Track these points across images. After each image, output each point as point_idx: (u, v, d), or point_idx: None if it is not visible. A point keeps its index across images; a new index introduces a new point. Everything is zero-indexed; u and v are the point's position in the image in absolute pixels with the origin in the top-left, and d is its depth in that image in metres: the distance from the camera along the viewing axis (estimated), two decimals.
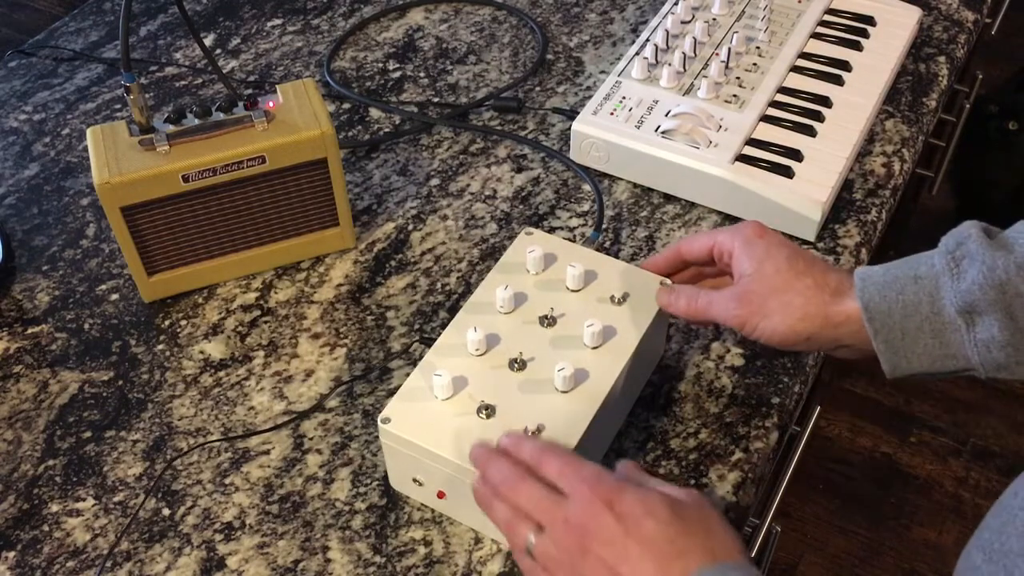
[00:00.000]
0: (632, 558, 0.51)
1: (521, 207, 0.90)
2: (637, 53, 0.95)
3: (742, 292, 0.64)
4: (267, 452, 0.72)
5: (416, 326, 0.80)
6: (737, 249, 0.66)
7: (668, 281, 0.71)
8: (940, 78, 1.01)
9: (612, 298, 0.70)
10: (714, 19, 0.99)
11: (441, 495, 0.65)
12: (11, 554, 0.67)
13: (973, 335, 0.57)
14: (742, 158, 0.86)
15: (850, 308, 0.61)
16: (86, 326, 0.81)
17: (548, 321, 0.68)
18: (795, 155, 0.87)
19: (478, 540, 0.66)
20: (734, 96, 0.91)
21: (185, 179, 0.76)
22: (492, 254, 0.85)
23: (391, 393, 0.75)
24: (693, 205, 0.89)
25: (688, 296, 0.68)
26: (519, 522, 0.56)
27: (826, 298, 0.62)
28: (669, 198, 0.89)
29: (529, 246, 0.72)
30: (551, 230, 0.87)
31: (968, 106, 1.27)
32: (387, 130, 0.98)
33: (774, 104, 0.92)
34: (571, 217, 0.88)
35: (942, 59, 1.03)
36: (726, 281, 0.69)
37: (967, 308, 0.56)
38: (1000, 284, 0.55)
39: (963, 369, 0.58)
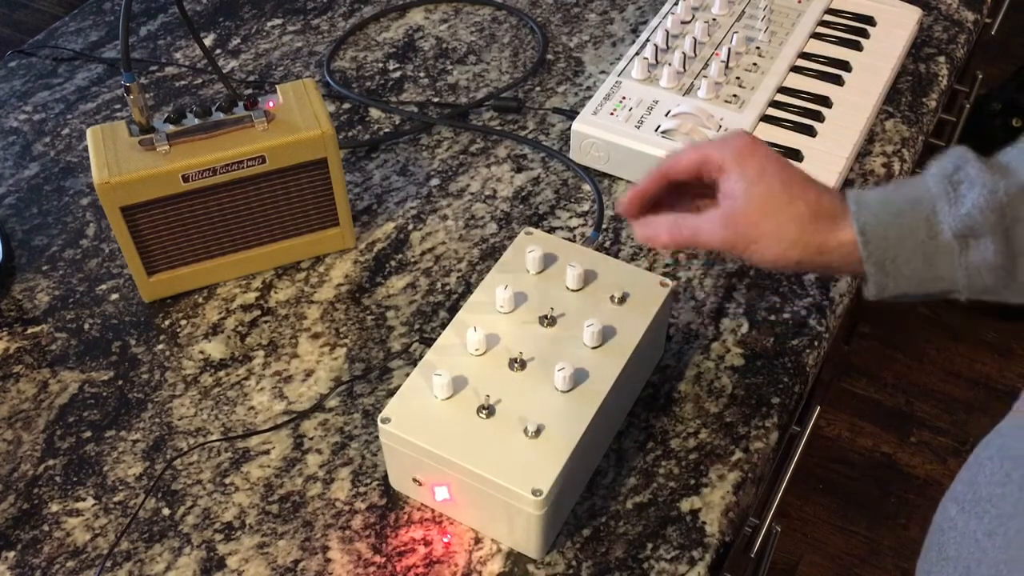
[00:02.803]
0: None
1: (521, 207, 0.90)
2: (637, 53, 0.95)
3: (731, 215, 0.61)
4: (267, 452, 0.72)
5: (416, 326, 0.80)
6: (728, 165, 0.62)
7: (668, 281, 0.71)
8: (940, 78, 1.01)
9: (612, 298, 0.70)
10: (714, 19, 0.99)
11: (441, 495, 0.65)
12: (11, 554, 0.67)
13: (965, 258, 0.56)
14: None
15: (844, 236, 0.59)
16: (86, 326, 0.81)
17: (548, 321, 0.69)
18: (795, 155, 0.87)
19: (478, 540, 0.66)
20: (734, 96, 0.91)
21: (185, 179, 0.76)
22: (492, 254, 0.85)
23: (391, 393, 0.75)
24: None
25: (669, 226, 0.64)
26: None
27: (820, 225, 0.59)
28: None
29: (529, 246, 0.72)
30: (551, 230, 0.87)
31: (968, 106, 1.27)
32: (387, 130, 0.98)
33: (774, 104, 0.92)
34: (571, 217, 0.88)
35: (942, 59, 1.03)
36: (707, 204, 0.66)
37: (964, 232, 0.55)
38: (1000, 207, 0.54)
39: (945, 291, 0.58)
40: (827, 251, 0.59)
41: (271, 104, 0.79)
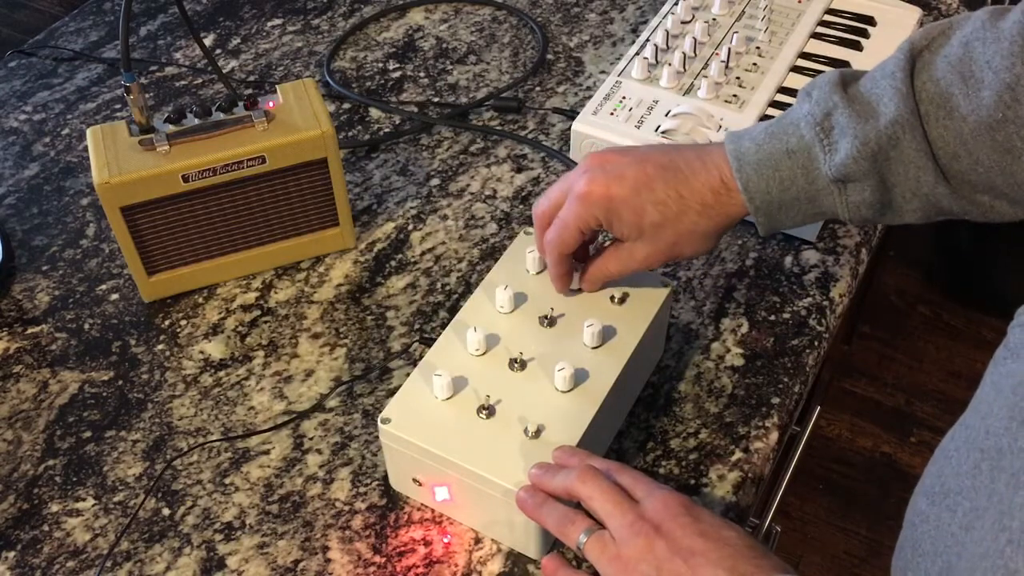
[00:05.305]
0: (711, 559, 0.51)
1: (521, 207, 0.90)
2: (637, 53, 0.95)
3: (642, 246, 0.65)
4: (267, 452, 0.72)
5: (416, 326, 0.80)
6: (605, 221, 0.65)
7: (669, 281, 0.71)
8: None
9: (612, 298, 0.70)
10: (714, 19, 0.99)
11: (440, 495, 0.65)
12: (11, 554, 0.67)
13: (845, 198, 0.60)
14: None
15: (739, 200, 0.62)
16: (86, 326, 0.81)
17: (548, 321, 0.68)
18: None
19: (478, 540, 0.66)
20: (734, 96, 0.91)
21: (185, 179, 0.76)
22: (492, 254, 0.85)
23: (391, 393, 0.75)
24: None
25: (598, 269, 0.68)
26: (570, 523, 0.56)
27: (721, 206, 0.63)
28: None
29: (529, 246, 0.72)
30: None
31: None
32: (387, 130, 0.98)
33: (774, 104, 0.92)
34: None
35: None
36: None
37: (841, 178, 0.59)
38: (873, 154, 0.58)
39: (832, 219, 0.64)
40: (734, 216, 0.64)
41: (271, 104, 0.79)
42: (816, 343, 0.78)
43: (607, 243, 0.69)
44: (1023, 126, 0.55)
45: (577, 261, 0.70)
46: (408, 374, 0.67)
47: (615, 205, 0.63)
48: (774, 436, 0.72)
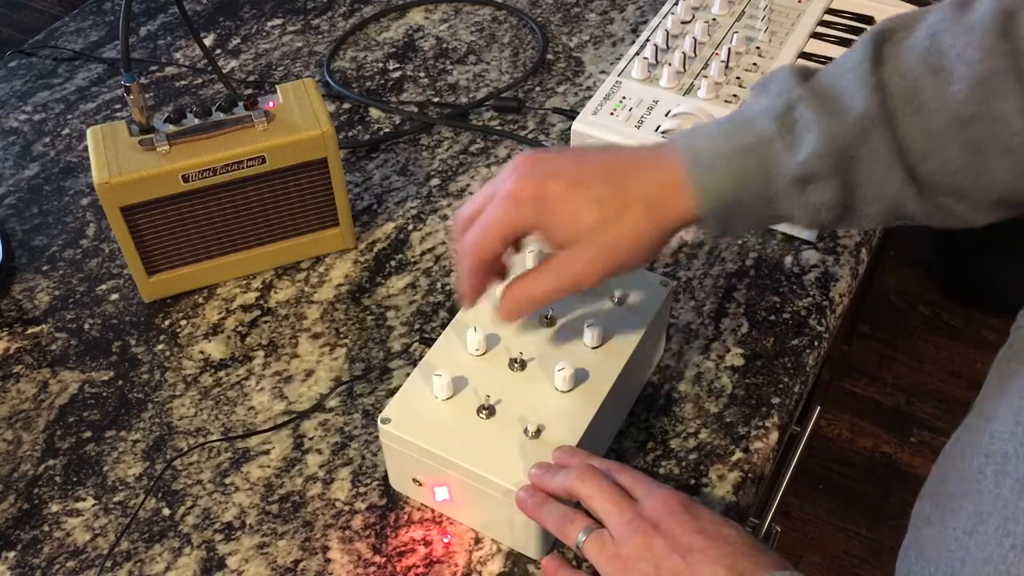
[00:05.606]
0: (710, 557, 0.51)
1: None
2: (637, 53, 0.95)
3: (578, 254, 0.57)
4: (267, 452, 0.72)
5: (416, 326, 0.80)
6: (536, 222, 0.58)
7: (669, 281, 0.71)
8: None
9: (612, 298, 0.70)
10: (714, 19, 0.99)
11: (440, 495, 0.65)
12: (11, 554, 0.67)
13: (804, 200, 0.55)
14: None
15: (687, 203, 0.56)
16: (86, 326, 0.81)
17: (548, 321, 0.68)
18: None
19: (478, 540, 0.66)
20: (734, 96, 0.91)
21: (185, 179, 0.76)
22: None
23: (391, 393, 0.75)
24: None
25: (522, 290, 0.60)
26: (569, 523, 0.56)
27: (666, 208, 0.57)
28: None
29: (529, 246, 0.72)
30: None
31: None
32: (387, 130, 0.98)
33: None
34: None
35: None
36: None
37: (803, 178, 0.54)
38: (840, 151, 0.53)
39: (784, 221, 0.58)
40: (677, 221, 0.57)
41: (271, 104, 0.79)
42: (816, 343, 0.78)
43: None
44: (994, 123, 0.52)
45: (498, 277, 0.63)
46: (408, 374, 0.67)
47: (548, 204, 0.57)
48: (774, 436, 0.72)
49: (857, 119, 0.53)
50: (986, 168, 0.53)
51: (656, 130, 0.88)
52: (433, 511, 0.68)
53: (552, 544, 0.65)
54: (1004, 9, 0.51)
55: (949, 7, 0.54)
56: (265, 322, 0.81)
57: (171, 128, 0.76)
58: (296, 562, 0.66)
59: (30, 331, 0.81)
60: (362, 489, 0.70)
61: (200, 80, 1.05)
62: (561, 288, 0.59)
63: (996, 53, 0.51)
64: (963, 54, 0.52)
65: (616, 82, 0.93)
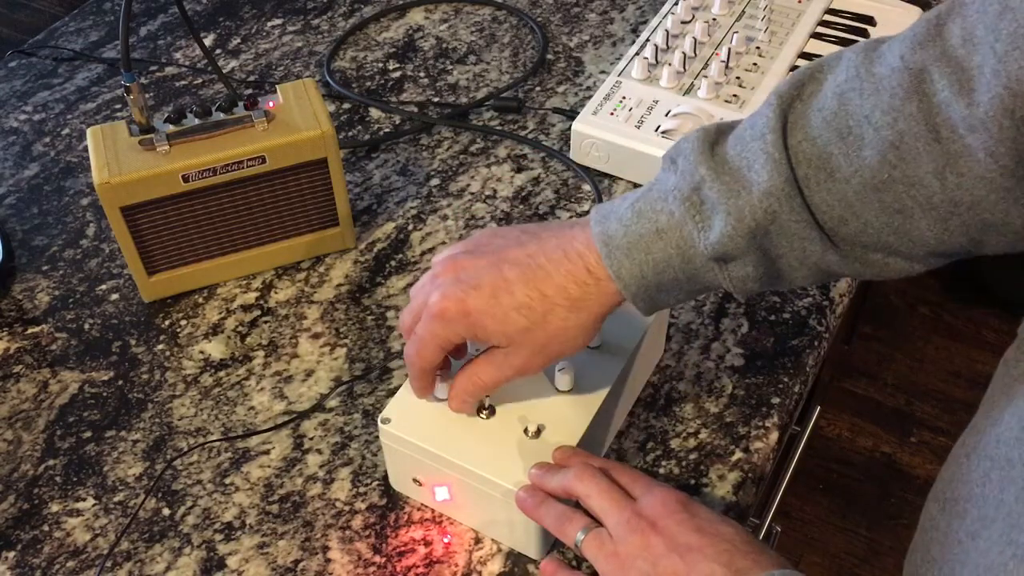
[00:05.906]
0: (708, 555, 0.51)
1: (521, 207, 0.90)
2: (637, 53, 0.95)
3: (515, 353, 0.59)
4: (267, 452, 0.72)
5: None
6: (468, 335, 0.59)
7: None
8: None
9: None
10: (714, 19, 0.99)
11: (440, 495, 0.65)
12: (11, 554, 0.67)
13: (728, 274, 0.55)
14: None
15: (611, 288, 0.57)
16: (86, 326, 0.81)
17: None
18: None
19: (478, 540, 0.66)
20: (734, 96, 0.91)
21: (185, 179, 0.76)
22: None
23: (391, 393, 0.75)
24: None
25: (469, 381, 0.61)
26: (568, 521, 0.57)
27: (590, 297, 0.57)
28: None
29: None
30: None
31: None
32: (387, 130, 0.98)
33: None
34: (571, 217, 0.88)
35: None
36: None
37: (720, 257, 0.54)
38: (750, 231, 0.52)
39: (716, 290, 0.58)
40: (607, 305, 0.58)
41: (271, 104, 0.79)
42: (816, 343, 0.78)
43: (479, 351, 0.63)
44: (911, 186, 0.50)
45: (447, 368, 0.65)
46: (408, 374, 0.67)
47: (475, 319, 0.57)
48: (774, 436, 0.72)
49: (763, 196, 0.52)
50: (912, 226, 0.52)
51: (656, 130, 0.88)
52: (433, 511, 0.68)
53: (552, 544, 0.65)
54: (912, 67, 0.49)
55: (857, 60, 0.52)
56: (265, 322, 0.81)
57: (171, 128, 0.76)
58: (296, 562, 0.66)
59: (30, 331, 0.81)
60: (362, 489, 0.70)
61: (200, 80, 1.05)
62: (506, 378, 0.60)
63: (904, 115, 0.49)
64: (871, 116, 0.50)
65: (616, 82, 0.93)
